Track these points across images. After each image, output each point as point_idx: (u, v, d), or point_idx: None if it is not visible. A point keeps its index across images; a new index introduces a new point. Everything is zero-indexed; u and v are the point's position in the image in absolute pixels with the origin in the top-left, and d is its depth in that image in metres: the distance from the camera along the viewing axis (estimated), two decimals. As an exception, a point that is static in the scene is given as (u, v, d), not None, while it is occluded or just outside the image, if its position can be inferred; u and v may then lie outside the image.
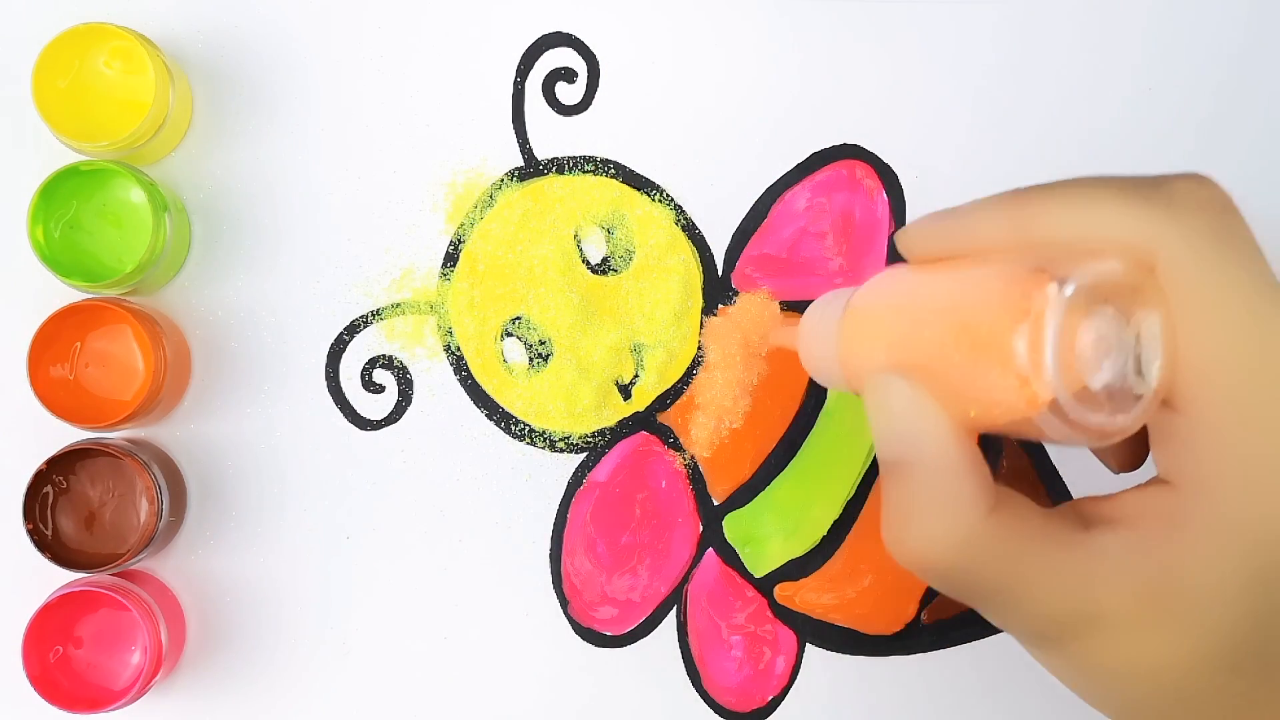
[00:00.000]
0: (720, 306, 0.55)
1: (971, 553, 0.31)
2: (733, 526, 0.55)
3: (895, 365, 0.34)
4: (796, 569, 0.55)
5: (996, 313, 0.31)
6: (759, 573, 0.55)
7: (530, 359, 0.54)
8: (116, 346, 0.50)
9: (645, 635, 0.54)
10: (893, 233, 0.55)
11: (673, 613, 0.55)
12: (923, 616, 0.55)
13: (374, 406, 0.54)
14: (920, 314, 0.34)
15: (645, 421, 0.55)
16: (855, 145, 0.55)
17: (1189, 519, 0.31)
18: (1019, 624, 0.33)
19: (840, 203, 0.55)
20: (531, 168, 0.55)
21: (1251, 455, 0.30)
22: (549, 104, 0.55)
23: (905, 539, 0.32)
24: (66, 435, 0.51)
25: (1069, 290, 0.30)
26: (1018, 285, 0.31)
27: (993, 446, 0.55)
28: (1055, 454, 0.55)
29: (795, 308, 0.55)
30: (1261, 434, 0.30)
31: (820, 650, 0.55)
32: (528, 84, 0.55)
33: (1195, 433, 0.31)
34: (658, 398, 0.55)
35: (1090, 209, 0.31)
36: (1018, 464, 0.55)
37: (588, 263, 0.55)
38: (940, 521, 0.32)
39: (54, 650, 0.49)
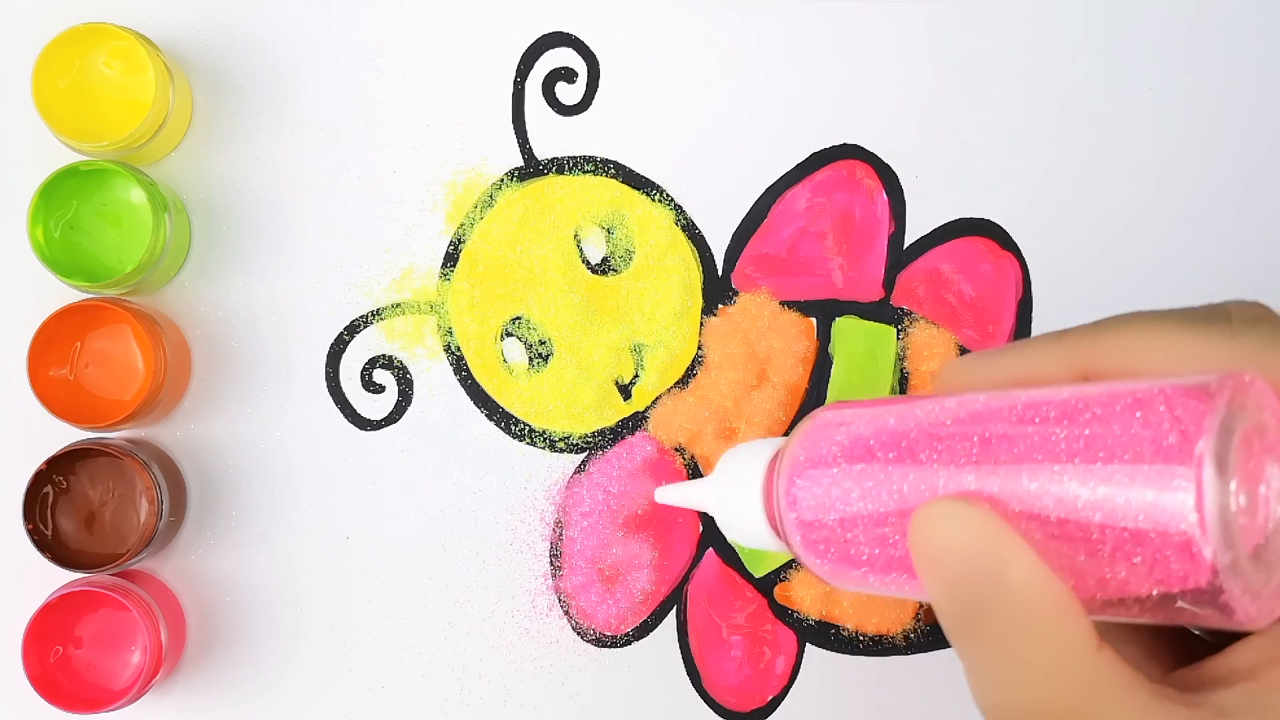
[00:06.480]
0: (720, 306, 0.55)
1: (1085, 693, 0.27)
2: (733, 526, 0.55)
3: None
4: (797, 569, 0.55)
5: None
6: (759, 573, 0.55)
7: (530, 359, 0.54)
8: (116, 346, 0.50)
9: (645, 635, 0.54)
10: (892, 234, 0.55)
11: (673, 613, 0.55)
12: (923, 616, 0.55)
13: (374, 406, 0.54)
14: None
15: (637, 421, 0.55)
16: (855, 145, 0.55)
17: None
18: None
19: (840, 203, 0.55)
20: (531, 168, 0.55)
21: None
22: (549, 104, 0.55)
23: (1009, 694, 0.27)
24: (66, 435, 0.51)
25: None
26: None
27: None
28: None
29: (795, 308, 0.55)
30: None
31: (820, 650, 0.55)
32: (528, 84, 0.55)
33: None
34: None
35: (1154, 337, 0.30)
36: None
37: (588, 263, 0.55)
38: (1047, 659, 0.27)
39: (54, 650, 0.49)
